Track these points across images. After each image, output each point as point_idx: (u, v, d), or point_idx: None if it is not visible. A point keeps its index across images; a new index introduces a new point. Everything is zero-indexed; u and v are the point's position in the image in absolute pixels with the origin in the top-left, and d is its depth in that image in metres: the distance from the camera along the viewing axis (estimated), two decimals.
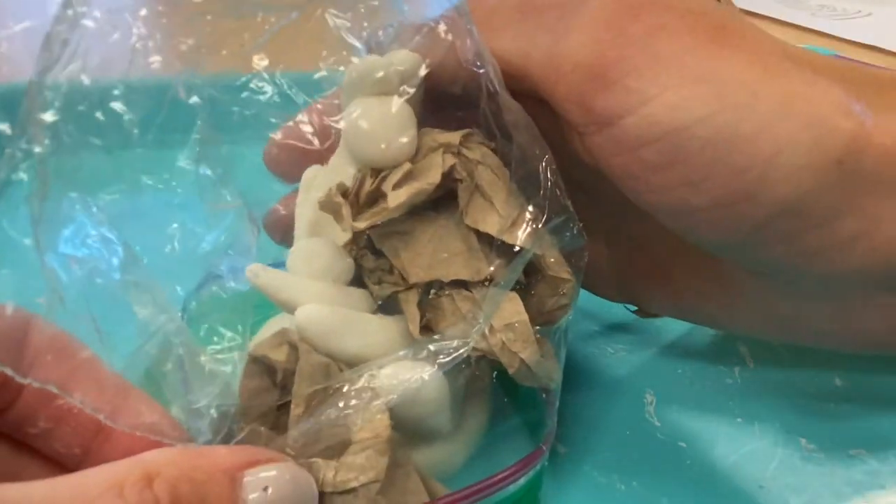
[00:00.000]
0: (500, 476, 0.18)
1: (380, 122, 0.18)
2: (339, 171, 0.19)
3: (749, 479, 0.23)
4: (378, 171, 0.18)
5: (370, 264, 0.19)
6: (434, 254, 0.18)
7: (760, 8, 0.70)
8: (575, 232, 0.19)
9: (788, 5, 0.71)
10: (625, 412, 0.25)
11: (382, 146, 0.18)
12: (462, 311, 0.18)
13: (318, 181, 0.20)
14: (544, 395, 0.21)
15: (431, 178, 0.17)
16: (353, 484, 0.15)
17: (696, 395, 0.26)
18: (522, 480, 0.19)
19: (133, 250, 0.16)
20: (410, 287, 0.18)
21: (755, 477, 0.23)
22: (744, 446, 0.24)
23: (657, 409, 0.26)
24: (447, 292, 0.18)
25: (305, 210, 0.20)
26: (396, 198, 0.17)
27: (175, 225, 0.18)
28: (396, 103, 0.18)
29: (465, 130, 0.19)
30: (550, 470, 0.23)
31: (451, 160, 0.18)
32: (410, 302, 0.18)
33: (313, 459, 0.15)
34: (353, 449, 0.16)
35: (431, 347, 0.17)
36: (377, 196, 0.18)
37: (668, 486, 0.23)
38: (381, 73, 0.18)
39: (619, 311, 0.31)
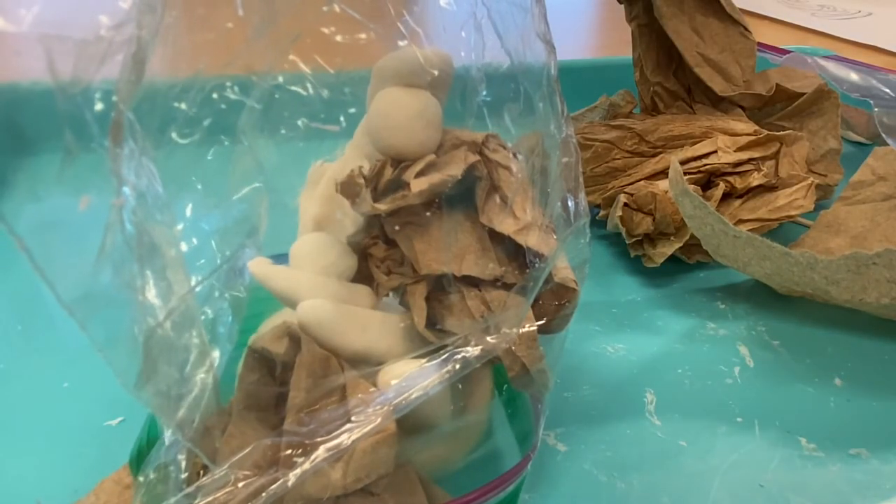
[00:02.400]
0: (493, 484, 0.18)
1: (409, 114, 0.18)
2: (351, 165, 0.19)
3: (749, 479, 0.23)
4: (398, 162, 0.18)
5: (381, 253, 0.19)
6: (447, 248, 0.18)
7: (760, 8, 0.70)
8: (585, 242, 0.19)
9: (788, 5, 0.71)
10: (625, 412, 0.25)
11: (409, 137, 0.18)
12: (471, 309, 0.18)
13: (327, 175, 0.20)
14: (539, 406, 0.21)
15: (454, 170, 0.18)
16: (365, 482, 0.15)
17: (696, 395, 0.26)
18: (511, 487, 0.19)
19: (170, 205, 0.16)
20: (420, 280, 0.18)
21: (755, 477, 0.23)
22: (744, 446, 0.24)
23: (657, 409, 0.26)
24: (457, 289, 0.18)
25: (310, 205, 0.20)
26: (419, 184, 0.17)
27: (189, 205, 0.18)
28: (426, 97, 0.18)
29: (488, 132, 0.19)
30: (551, 468, 0.23)
31: (472, 157, 0.18)
32: (418, 295, 0.18)
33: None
34: (361, 446, 0.15)
35: (443, 353, 0.17)
36: (397, 186, 0.18)
37: (669, 484, 0.23)
38: (414, 66, 0.18)
39: (619, 311, 0.31)
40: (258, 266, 0.18)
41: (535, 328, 0.18)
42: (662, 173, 0.34)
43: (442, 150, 0.18)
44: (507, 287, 0.18)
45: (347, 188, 0.18)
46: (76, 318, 0.14)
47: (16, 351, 0.28)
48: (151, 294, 0.15)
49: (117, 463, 0.21)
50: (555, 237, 0.18)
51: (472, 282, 0.18)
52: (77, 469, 0.22)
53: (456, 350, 0.17)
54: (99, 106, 0.14)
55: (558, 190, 0.19)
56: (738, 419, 0.25)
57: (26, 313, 0.30)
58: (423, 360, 0.17)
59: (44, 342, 0.28)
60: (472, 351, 0.17)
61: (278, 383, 0.17)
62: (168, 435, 0.16)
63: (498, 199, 0.18)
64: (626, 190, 0.33)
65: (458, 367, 0.17)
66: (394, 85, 0.18)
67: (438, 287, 0.18)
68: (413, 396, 0.16)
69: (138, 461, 0.20)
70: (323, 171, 0.20)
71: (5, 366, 0.27)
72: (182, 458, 0.16)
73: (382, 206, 0.17)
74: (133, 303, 0.15)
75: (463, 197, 0.19)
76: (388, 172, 0.18)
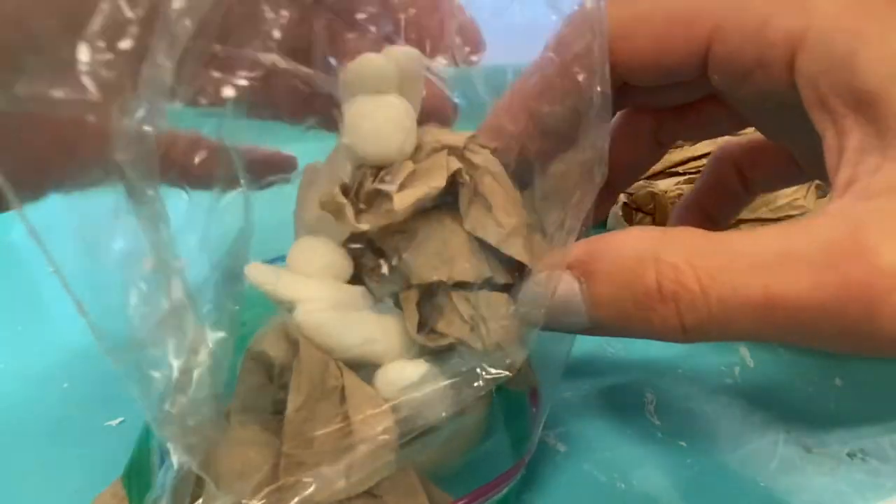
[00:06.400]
0: (486, 488, 0.18)
1: (377, 121, 0.18)
2: (340, 168, 0.19)
3: (749, 479, 0.23)
4: (379, 169, 0.18)
5: (370, 263, 0.19)
6: (437, 254, 0.18)
7: None
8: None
9: None
10: (625, 412, 0.25)
11: (382, 144, 0.18)
12: (460, 310, 0.18)
13: (318, 178, 0.20)
14: (534, 410, 0.21)
15: (436, 181, 0.17)
16: (368, 485, 0.16)
17: (696, 395, 0.26)
18: (505, 490, 0.19)
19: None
20: (411, 286, 0.18)
21: (755, 477, 0.23)
22: (744, 446, 0.24)
23: (657, 409, 0.26)
24: (446, 291, 0.18)
25: (306, 207, 0.20)
26: (402, 201, 0.17)
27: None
28: (394, 101, 0.18)
29: (469, 133, 0.19)
30: (551, 468, 0.23)
31: (454, 164, 0.18)
32: (410, 301, 0.18)
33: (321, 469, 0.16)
34: (363, 451, 0.16)
35: (447, 364, 0.17)
36: (377, 195, 0.18)
37: (668, 485, 0.23)
38: (375, 72, 0.18)
39: None
40: (254, 270, 0.18)
41: (515, 325, 0.18)
42: (662, 173, 0.34)
43: (422, 153, 0.18)
44: (497, 287, 0.18)
45: (330, 206, 0.18)
46: (114, 361, 0.15)
47: (16, 351, 0.28)
48: (172, 347, 0.15)
49: (117, 463, 0.21)
50: (541, 236, 0.18)
51: (461, 284, 0.18)
52: (77, 469, 0.22)
53: (458, 364, 0.17)
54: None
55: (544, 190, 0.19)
56: (738, 419, 0.25)
57: (26, 313, 0.30)
58: (422, 363, 0.17)
59: (44, 342, 0.28)
60: (476, 375, 0.17)
61: (277, 386, 0.17)
62: (174, 459, 0.16)
63: (480, 205, 0.18)
64: (625, 190, 0.33)
65: (467, 396, 0.17)
66: (360, 93, 0.18)
67: (430, 292, 0.18)
68: (418, 407, 0.16)
69: (129, 476, 0.20)
70: (317, 172, 0.20)
71: (5, 366, 0.27)
72: (183, 482, 0.16)
73: (365, 226, 0.17)
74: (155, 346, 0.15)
75: (448, 198, 0.19)
76: (369, 182, 0.18)
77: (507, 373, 0.17)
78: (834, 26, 0.16)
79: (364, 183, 0.18)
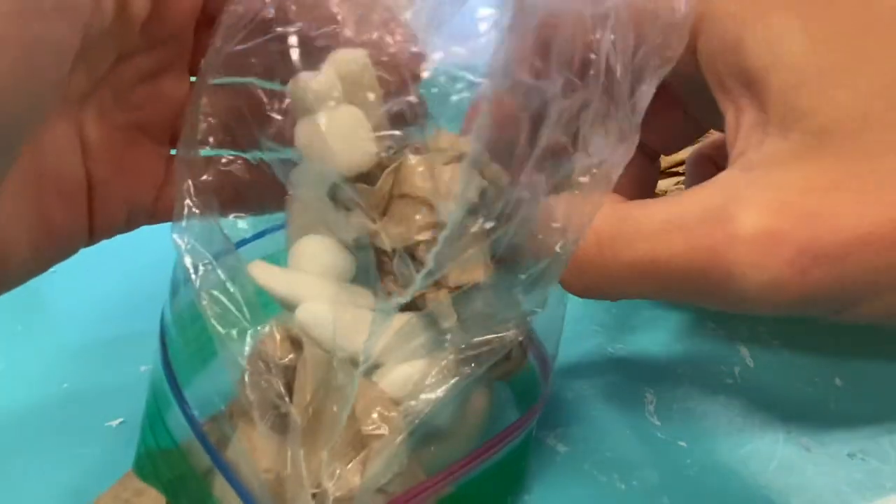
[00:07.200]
0: (494, 441, 0.19)
1: (323, 138, 0.17)
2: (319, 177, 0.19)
3: (749, 479, 0.23)
4: (356, 177, 0.18)
5: (397, 265, 0.19)
6: (468, 257, 0.18)
7: None
8: None
9: None
10: (625, 412, 0.25)
11: (339, 157, 0.17)
12: (495, 305, 0.18)
13: (304, 183, 0.20)
14: (543, 349, 0.21)
15: (471, 193, 0.18)
16: (382, 482, 0.16)
17: (696, 395, 0.26)
18: (518, 440, 0.19)
19: None
20: (441, 287, 0.18)
21: (755, 477, 0.23)
22: (744, 446, 0.24)
23: (657, 409, 0.26)
24: (479, 292, 0.18)
25: (297, 209, 0.20)
26: (447, 209, 0.17)
27: None
28: (339, 114, 0.18)
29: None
30: (551, 469, 0.23)
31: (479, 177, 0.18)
32: (442, 299, 0.18)
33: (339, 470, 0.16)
34: (376, 448, 0.16)
35: (448, 359, 0.17)
36: (388, 200, 0.18)
37: (668, 485, 0.23)
38: (313, 87, 0.17)
39: (619, 311, 0.31)
40: (258, 269, 0.18)
41: None
42: (662, 173, 0.34)
43: (438, 156, 0.18)
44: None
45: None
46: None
47: (16, 351, 0.28)
48: None
49: (117, 463, 0.21)
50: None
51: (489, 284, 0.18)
52: (77, 469, 0.22)
53: (469, 353, 0.17)
54: None
55: None
56: (738, 419, 0.25)
57: (26, 313, 0.30)
58: (424, 360, 0.17)
59: (44, 342, 0.28)
60: (483, 351, 0.17)
61: (281, 385, 0.17)
62: None
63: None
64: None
65: (470, 371, 0.17)
66: (304, 113, 0.18)
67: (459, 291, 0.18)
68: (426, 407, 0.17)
69: (153, 467, 0.20)
70: (302, 175, 0.20)
71: (5, 366, 0.27)
72: None
73: (424, 236, 0.17)
74: None
75: None
76: (386, 186, 0.18)
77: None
78: (724, 12, 0.18)
79: (346, 193, 0.18)
